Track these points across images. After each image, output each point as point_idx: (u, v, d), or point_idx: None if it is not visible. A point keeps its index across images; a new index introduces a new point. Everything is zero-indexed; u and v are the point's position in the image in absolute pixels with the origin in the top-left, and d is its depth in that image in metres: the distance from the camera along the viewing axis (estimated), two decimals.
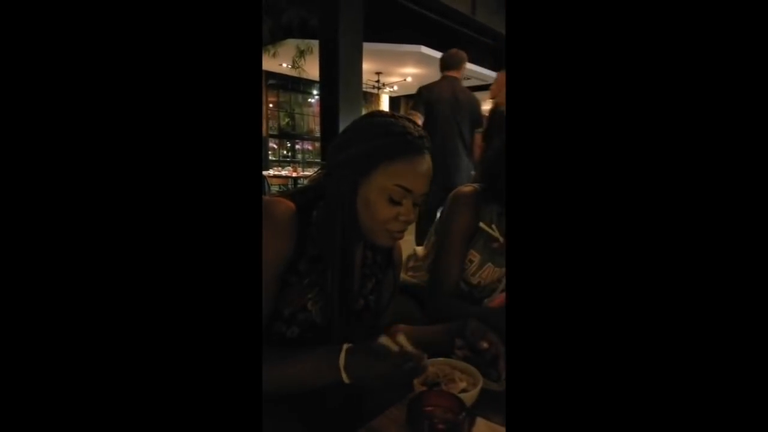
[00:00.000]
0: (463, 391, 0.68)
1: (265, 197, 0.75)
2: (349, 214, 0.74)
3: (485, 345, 0.79)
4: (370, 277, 0.88)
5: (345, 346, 0.65)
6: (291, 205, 0.74)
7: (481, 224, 1.05)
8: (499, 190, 1.06)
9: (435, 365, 0.74)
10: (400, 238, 0.78)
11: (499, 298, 1.10)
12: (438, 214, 1.20)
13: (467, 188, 1.11)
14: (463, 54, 2.76)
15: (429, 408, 0.56)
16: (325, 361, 0.65)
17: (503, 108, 2.54)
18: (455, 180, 2.61)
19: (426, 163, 0.75)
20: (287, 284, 0.74)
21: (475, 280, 1.12)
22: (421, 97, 2.74)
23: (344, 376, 0.63)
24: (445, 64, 2.79)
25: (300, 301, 0.74)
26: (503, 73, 2.71)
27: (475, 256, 1.10)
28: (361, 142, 0.73)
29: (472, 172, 2.72)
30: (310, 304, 0.75)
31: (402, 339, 0.67)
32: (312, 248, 0.75)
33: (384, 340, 0.66)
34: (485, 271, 1.12)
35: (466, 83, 3.00)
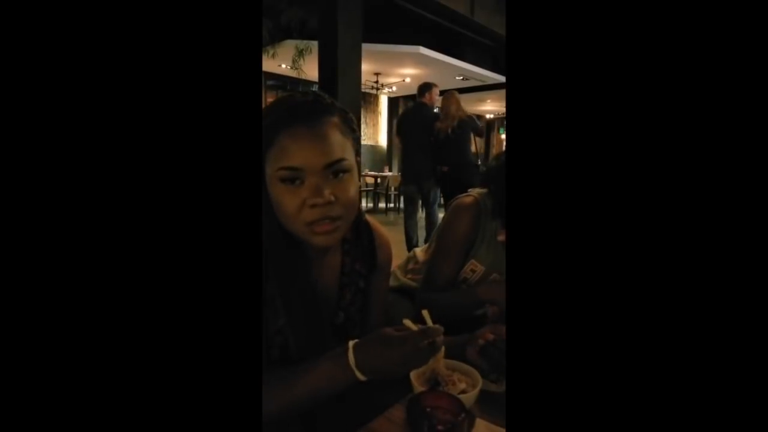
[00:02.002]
0: (463, 392, 0.68)
1: None
2: (274, 220, 0.66)
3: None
4: (348, 286, 0.79)
5: (351, 344, 0.60)
6: None
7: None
8: (501, 200, 1.06)
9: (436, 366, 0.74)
10: (328, 230, 0.63)
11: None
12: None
13: (467, 198, 1.11)
14: (430, 85, 3.92)
15: (428, 409, 0.56)
16: (334, 364, 0.61)
17: (440, 126, 3.69)
18: (418, 175, 3.81)
19: (310, 130, 0.61)
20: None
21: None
22: (398, 121, 4.18)
23: (358, 373, 0.59)
24: (417, 93, 3.96)
25: (274, 325, 0.69)
26: (447, 97, 3.80)
27: (477, 266, 1.11)
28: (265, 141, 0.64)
29: (444, 169, 3.80)
30: (285, 326, 0.70)
31: (426, 314, 0.65)
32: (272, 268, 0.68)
33: (406, 322, 0.62)
34: (491, 279, 1.13)
35: (465, 83, 3.74)
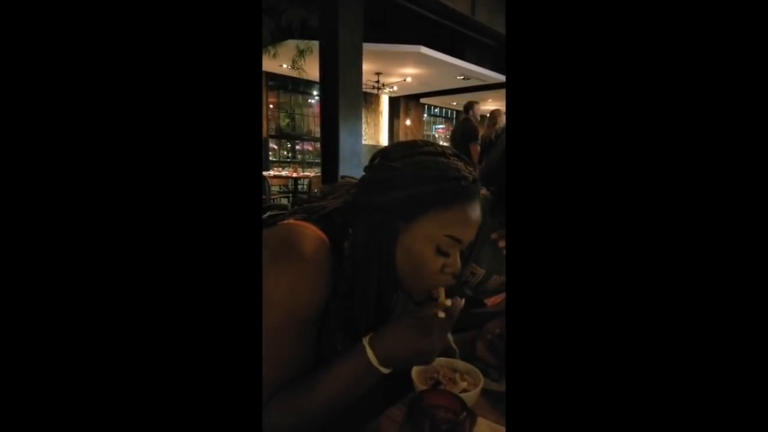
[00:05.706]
0: (464, 391, 0.68)
1: (291, 222, 0.68)
2: (387, 263, 0.66)
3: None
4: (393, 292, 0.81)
5: (365, 339, 0.62)
6: (323, 237, 0.66)
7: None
8: (501, 199, 1.06)
9: (436, 365, 0.74)
10: (438, 295, 0.69)
11: (499, 297, 1.11)
12: None
13: None
14: (472, 103, 4.90)
15: (430, 408, 0.56)
16: (354, 361, 0.61)
17: (483, 134, 4.47)
18: None
19: (478, 210, 0.67)
20: None
21: (480, 288, 1.13)
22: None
23: (380, 368, 0.60)
24: (463, 110, 4.97)
25: (327, 342, 0.68)
26: (492, 112, 4.71)
27: (478, 270, 1.11)
28: (409, 185, 0.64)
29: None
30: (339, 345, 0.69)
31: (442, 292, 0.66)
32: (344, 285, 0.67)
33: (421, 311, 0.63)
34: (492, 282, 1.13)
35: (466, 83, 4.17)
